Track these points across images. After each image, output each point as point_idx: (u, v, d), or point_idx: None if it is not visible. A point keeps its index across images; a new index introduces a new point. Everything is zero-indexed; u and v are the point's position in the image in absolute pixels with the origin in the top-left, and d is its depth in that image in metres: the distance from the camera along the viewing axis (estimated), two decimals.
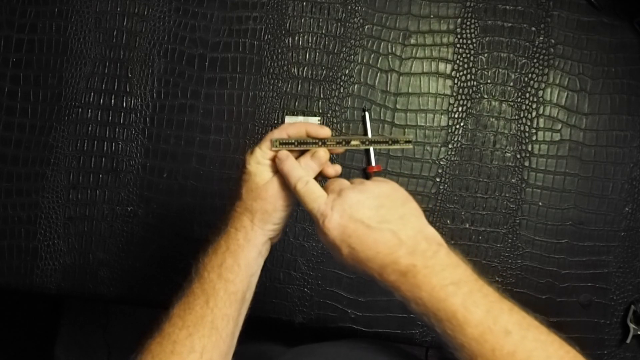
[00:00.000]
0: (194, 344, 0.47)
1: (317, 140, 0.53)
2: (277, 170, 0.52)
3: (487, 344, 0.42)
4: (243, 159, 0.54)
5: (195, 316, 0.48)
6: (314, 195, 0.49)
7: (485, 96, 0.78)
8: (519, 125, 0.78)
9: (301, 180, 0.50)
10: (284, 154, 0.52)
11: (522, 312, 0.44)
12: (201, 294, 0.50)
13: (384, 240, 0.45)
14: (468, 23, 0.78)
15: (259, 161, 0.52)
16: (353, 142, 0.54)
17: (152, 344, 0.48)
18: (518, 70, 0.78)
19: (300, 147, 0.53)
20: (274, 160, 0.53)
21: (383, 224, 0.46)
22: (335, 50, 0.79)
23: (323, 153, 0.53)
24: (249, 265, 0.52)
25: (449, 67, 0.78)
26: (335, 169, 0.55)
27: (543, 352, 0.42)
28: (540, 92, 0.78)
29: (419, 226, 0.47)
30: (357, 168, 0.78)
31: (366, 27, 0.79)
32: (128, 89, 0.80)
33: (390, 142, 0.55)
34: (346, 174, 0.78)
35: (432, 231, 0.47)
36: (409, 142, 0.55)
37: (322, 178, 0.54)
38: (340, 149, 0.55)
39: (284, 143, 0.52)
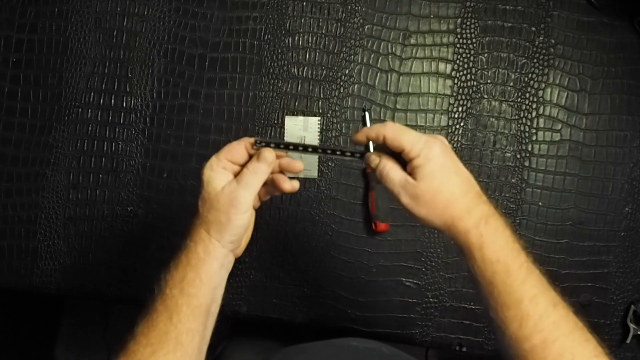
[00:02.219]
0: None
1: (298, 144, 0.53)
2: (233, 177, 0.51)
3: (538, 307, 0.45)
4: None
5: (158, 333, 0.48)
6: (408, 130, 0.50)
7: (485, 96, 0.78)
8: (519, 125, 0.78)
9: (387, 124, 0.51)
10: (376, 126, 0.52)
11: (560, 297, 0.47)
12: (164, 310, 0.49)
13: (470, 188, 0.50)
14: (468, 23, 0.78)
15: (213, 168, 0.51)
16: (323, 150, 0.54)
17: None
18: (518, 70, 0.78)
19: (280, 148, 0.52)
20: (233, 165, 0.52)
21: (470, 179, 0.52)
22: (335, 50, 0.79)
23: (268, 154, 0.51)
24: (211, 278, 0.51)
25: (449, 67, 0.78)
26: (292, 185, 0.54)
27: (582, 334, 0.45)
28: (540, 92, 0.78)
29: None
30: (357, 168, 0.78)
31: (366, 27, 0.79)
32: (128, 89, 0.80)
33: (341, 152, 0.54)
34: (346, 174, 0.78)
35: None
36: (359, 154, 0.54)
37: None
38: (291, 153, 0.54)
39: (265, 143, 0.52)
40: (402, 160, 0.50)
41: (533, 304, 0.45)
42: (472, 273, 0.48)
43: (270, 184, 0.54)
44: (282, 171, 0.54)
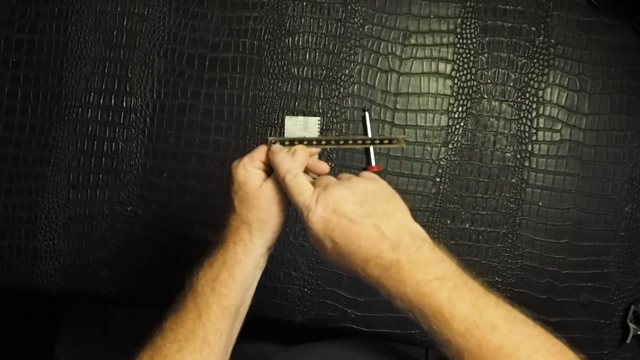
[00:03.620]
0: (185, 358, 0.47)
1: (312, 139, 0.54)
2: (266, 176, 0.52)
3: (473, 339, 0.41)
4: (229, 170, 0.53)
5: (186, 330, 0.48)
6: (300, 189, 0.48)
7: (485, 96, 0.78)
8: (519, 125, 0.78)
9: (290, 172, 0.50)
10: (277, 147, 0.52)
11: (507, 306, 0.43)
12: (194, 307, 0.49)
13: (367, 234, 0.45)
14: (468, 23, 0.78)
15: (247, 169, 0.52)
16: (354, 140, 0.55)
17: (143, 357, 0.48)
18: (518, 70, 0.78)
19: (294, 144, 0.54)
20: (265, 165, 0.53)
21: (366, 218, 0.45)
22: (335, 50, 0.79)
23: (302, 152, 0.52)
24: (245, 279, 0.51)
25: (449, 67, 0.78)
26: (322, 167, 0.55)
27: (530, 345, 0.41)
28: (540, 92, 0.78)
29: (403, 222, 0.46)
30: (357, 168, 0.78)
31: (366, 27, 0.79)
32: (128, 89, 0.80)
33: (380, 141, 0.55)
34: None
35: (416, 227, 0.46)
36: (401, 141, 0.55)
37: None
38: (317, 148, 0.55)
39: (281, 143, 0.53)
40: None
41: (467, 337, 0.41)
42: None
43: None
44: (306, 171, 0.55)
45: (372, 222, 0.45)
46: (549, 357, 0.41)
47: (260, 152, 0.53)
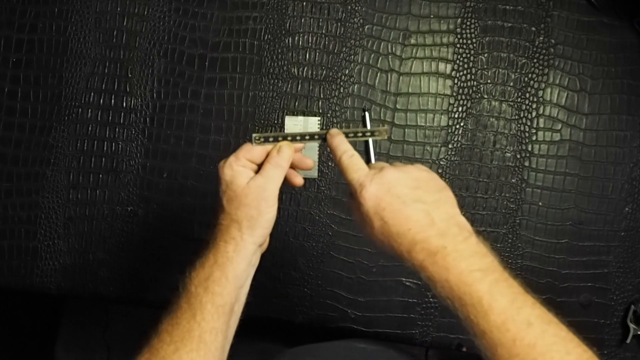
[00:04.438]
0: (182, 358, 0.47)
1: (296, 134, 0.55)
2: (253, 174, 0.53)
3: (508, 334, 0.42)
4: (217, 172, 0.54)
5: (182, 331, 0.48)
6: (356, 167, 0.50)
7: (485, 96, 0.78)
8: (519, 125, 0.78)
9: (346, 152, 0.51)
10: (335, 130, 0.54)
11: (543, 308, 0.45)
12: (188, 308, 0.49)
13: (417, 217, 0.46)
14: (468, 23, 0.78)
15: (233, 167, 0.52)
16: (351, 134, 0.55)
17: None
18: (518, 70, 0.78)
19: (279, 140, 0.54)
20: (251, 163, 0.53)
21: (417, 203, 0.47)
22: (335, 50, 0.79)
23: (287, 148, 0.53)
24: (237, 277, 0.52)
25: (449, 67, 0.78)
26: (308, 163, 0.56)
27: (563, 347, 0.43)
28: (540, 92, 0.78)
29: (452, 212, 0.48)
30: None
31: (366, 27, 0.79)
32: (128, 89, 0.80)
33: (362, 134, 0.56)
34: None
35: (464, 220, 0.48)
36: (383, 132, 0.56)
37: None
38: (306, 143, 0.56)
39: (264, 138, 0.54)
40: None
41: (502, 331, 0.43)
42: None
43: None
44: (292, 167, 0.56)
45: (423, 207, 0.47)
46: None
47: (245, 151, 0.53)
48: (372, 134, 0.56)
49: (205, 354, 0.48)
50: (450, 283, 0.44)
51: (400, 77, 0.79)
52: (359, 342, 0.64)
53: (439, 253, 0.45)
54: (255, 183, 0.52)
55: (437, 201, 0.48)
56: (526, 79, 0.78)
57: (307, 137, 0.56)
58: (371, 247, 0.78)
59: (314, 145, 0.78)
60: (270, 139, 0.54)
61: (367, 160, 0.78)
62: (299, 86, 0.79)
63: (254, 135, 0.54)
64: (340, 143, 0.53)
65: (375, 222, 0.47)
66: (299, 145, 0.56)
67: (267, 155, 0.54)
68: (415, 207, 0.46)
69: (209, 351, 0.48)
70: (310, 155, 0.78)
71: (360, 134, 0.56)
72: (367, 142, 0.78)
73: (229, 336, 0.52)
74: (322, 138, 0.56)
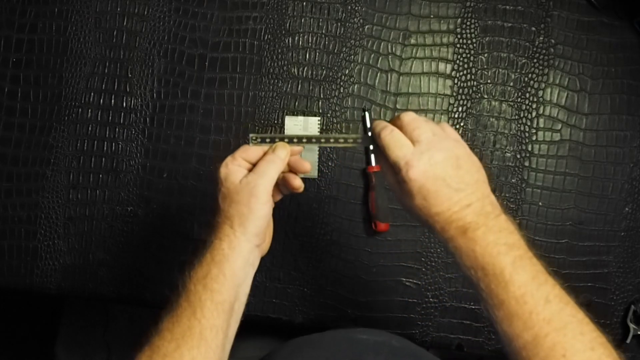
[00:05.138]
0: (183, 355, 0.47)
1: (292, 136, 0.56)
2: (247, 172, 0.54)
3: (526, 306, 0.44)
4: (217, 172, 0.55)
5: (182, 328, 0.48)
6: (399, 143, 0.50)
7: (485, 96, 0.78)
8: (519, 125, 0.78)
9: (386, 129, 0.51)
10: (379, 121, 0.54)
11: (563, 290, 0.47)
12: (188, 306, 0.50)
13: (458, 200, 0.48)
14: (468, 23, 0.78)
15: (228, 166, 0.54)
16: (335, 139, 0.56)
17: (142, 358, 0.48)
18: (518, 70, 0.78)
19: (275, 142, 0.55)
20: (247, 163, 0.54)
21: (461, 187, 0.49)
22: (335, 50, 0.79)
23: (282, 147, 0.55)
24: (235, 275, 0.52)
25: (449, 67, 0.78)
26: (305, 166, 0.57)
27: (578, 327, 0.45)
28: (540, 92, 0.78)
29: (487, 192, 0.50)
30: (357, 168, 0.78)
31: (366, 27, 0.79)
32: (128, 89, 0.80)
33: (336, 140, 0.56)
34: (346, 174, 0.78)
35: (495, 199, 0.51)
36: (354, 139, 0.57)
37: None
38: (300, 147, 0.57)
39: (261, 139, 0.55)
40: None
41: (520, 303, 0.45)
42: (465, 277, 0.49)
43: (281, 183, 0.57)
44: (291, 170, 0.57)
45: (465, 192, 0.49)
46: (594, 343, 0.44)
47: (242, 151, 0.55)
48: (346, 140, 0.56)
49: (206, 351, 0.48)
50: (476, 253, 0.46)
51: (400, 77, 0.79)
52: (360, 332, 0.64)
53: (470, 228, 0.47)
54: (246, 179, 0.53)
55: (477, 182, 0.50)
56: (526, 79, 0.78)
57: (304, 140, 0.56)
58: (372, 248, 0.78)
59: (315, 145, 0.78)
60: (267, 140, 0.55)
61: (367, 161, 0.78)
62: (299, 86, 0.79)
63: (250, 135, 0.55)
64: (379, 123, 0.53)
65: (416, 199, 0.49)
66: (296, 148, 0.56)
67: (263, 155, 0.55)
68: (458, 190, 0.48)
69: (209, 348, 0.48)
70: (310, 156, 0.78)
71: (351, 140, 0.57)
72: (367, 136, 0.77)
73: (229, 335, 0.52)
74: (319, 141, 0.56)
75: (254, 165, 0.55)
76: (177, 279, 0.52)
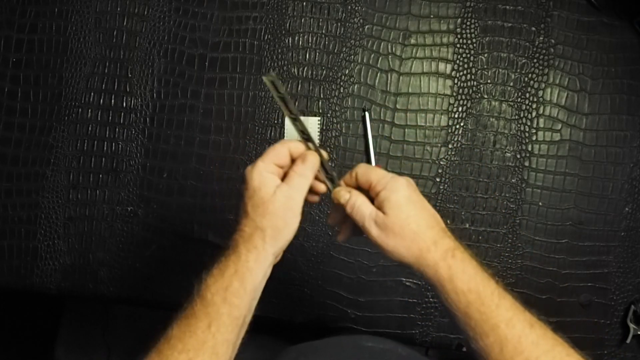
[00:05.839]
0: None
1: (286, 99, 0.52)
2: (279, 181, 0.51)
3: (514, 330, 0.45)
4: (243, 174, 0.52)
5: (196, 340, 0.47)
6: (374, 169, 0.53)
7: (485, 96, 0.78)
8: (519, 125, 0.78)
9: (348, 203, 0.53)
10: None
11: (534, 317, 0.48)
12: (204, 317, 0.48)
13: (438, 219, 0.52)
14: (468, 23, 0.78)
15: (262, 174, 0.50)
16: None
17: None
18: (518, 70, 0.78)
19: (284, 102, 0.52)
20: (278, 169, 0.52)
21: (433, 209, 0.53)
22: (335, 50, 0.79)
23: (313, 157, 0.52)
24: (255, 289, 0.51)
25: (449, 67, 0.78)
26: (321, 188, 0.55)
27: (563, 349, 0.45)
28: (540, 92, 0.78)
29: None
30: None
31: (366, 27, 0.79)
32: (128, 89, 0.80)
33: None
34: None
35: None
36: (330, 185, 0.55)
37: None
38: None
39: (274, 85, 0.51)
40: (371, 198, 0.52)
41: (510, 327, 0.45)
42: (446, 307, 0.49)
43: None
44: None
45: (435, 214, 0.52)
46: None
47: (273, 155, 0.51)
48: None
49: None
50: (468, 275, 0.48)
51: (400, 77, 0.79)
52: (365, 340, 0.64)
53: (459, 249, 0.49)
54: (282, 192, 0.50)
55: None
56: (526, 79, 0.78)
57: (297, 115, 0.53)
58: (372, 247, 0.78)
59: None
60: (279, 95, 0.51)
61: (368, 161, 0.78)
62: (299, 86, 0.79)
63: (266, 77, 0.51)
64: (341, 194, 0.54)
65: (405, 212, 0.50)
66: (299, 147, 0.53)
67: (293, 163, 0.52)
68: (433, 210, 0.52)
69: None
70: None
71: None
72: (367, 143, 0.78)
73: (237, 347, 0.51)
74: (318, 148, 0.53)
75: (282, 169, 0.52)
76: (189, 282, 0.51)
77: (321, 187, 0.55)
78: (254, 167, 0.51)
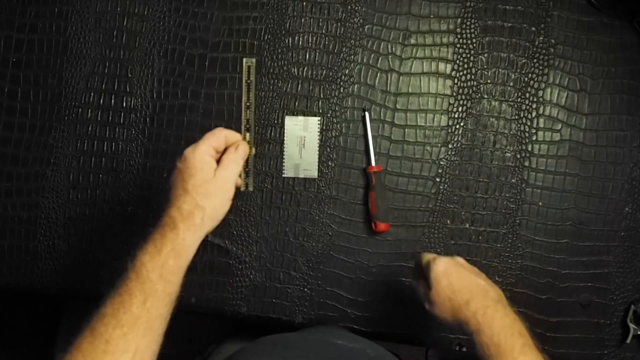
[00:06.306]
0: (128, 344, 0.46)
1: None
2: (216, 166, 0.56)
3: None
4: (183, 154, 0.56)
5: (131, 316, 0.48)
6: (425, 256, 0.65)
7: (485, 96, 0.78)
8: (519, 125, 0.78)
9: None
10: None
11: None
12: (139, 293, 0.49)
13: (476, 281, 0.61)
14: (468, 23, 0.78)
15: (204, 156, 0.55)
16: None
17: (82, 342, 0.47)
18: (518, 70, 0.78)
19: None
20: (216, 153, 0.58)
21: (472, 273, 0.63)
22: (335, 50, 0.79)
23: (244, 147, 0.59)
24: (187, 266, 0.53)
25: (449, 67, 0.78)
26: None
27: None
28: (540, 92, 0.78)
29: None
30: (357, 168, 0.78)
31: (366, 27, 0.79)
32: (128, 89, 0.80)
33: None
34: (346, 174, 0.78)
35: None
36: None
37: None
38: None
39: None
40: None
41: None
42: (478, 358, 0.56)
43: None
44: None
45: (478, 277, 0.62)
46: None
47: (214, 140, 0.57)
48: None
49: (150, 341, 0.48)
50: (493, 330, 0.54)
51: (400, 77, 0.79)
52: (338, 337, 0.65)
53: (490, 308, 0.56)
54: (221, 174, 0.55)
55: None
56: (526, 79, 0.78)
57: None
58: (372, 247, 0.78)
59: (315, 145, 0.78)
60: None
61: (367, 161, 0.78)
62: (299, 86, 0.79)
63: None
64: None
65: (442, 283, 0.59)
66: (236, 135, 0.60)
67: (226, 149, 0.58)
68: (471, 275, 0.61)
69: (153, 338, 0.48)
70: (310, 155, 0.78)
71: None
72: (367, 143, 0.78)
73: (167, 321, 0.51)
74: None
75: (217, 152, 0.58)
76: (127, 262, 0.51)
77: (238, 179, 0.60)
78: (197, 148, 0.56)
